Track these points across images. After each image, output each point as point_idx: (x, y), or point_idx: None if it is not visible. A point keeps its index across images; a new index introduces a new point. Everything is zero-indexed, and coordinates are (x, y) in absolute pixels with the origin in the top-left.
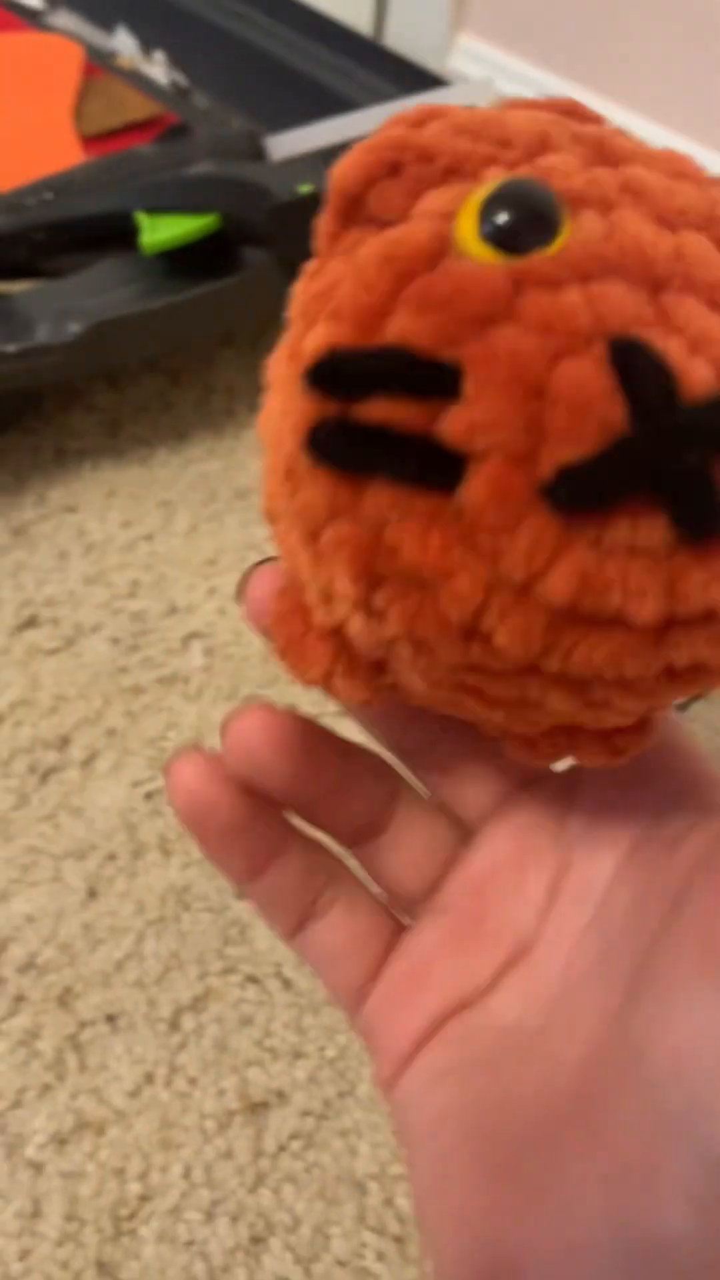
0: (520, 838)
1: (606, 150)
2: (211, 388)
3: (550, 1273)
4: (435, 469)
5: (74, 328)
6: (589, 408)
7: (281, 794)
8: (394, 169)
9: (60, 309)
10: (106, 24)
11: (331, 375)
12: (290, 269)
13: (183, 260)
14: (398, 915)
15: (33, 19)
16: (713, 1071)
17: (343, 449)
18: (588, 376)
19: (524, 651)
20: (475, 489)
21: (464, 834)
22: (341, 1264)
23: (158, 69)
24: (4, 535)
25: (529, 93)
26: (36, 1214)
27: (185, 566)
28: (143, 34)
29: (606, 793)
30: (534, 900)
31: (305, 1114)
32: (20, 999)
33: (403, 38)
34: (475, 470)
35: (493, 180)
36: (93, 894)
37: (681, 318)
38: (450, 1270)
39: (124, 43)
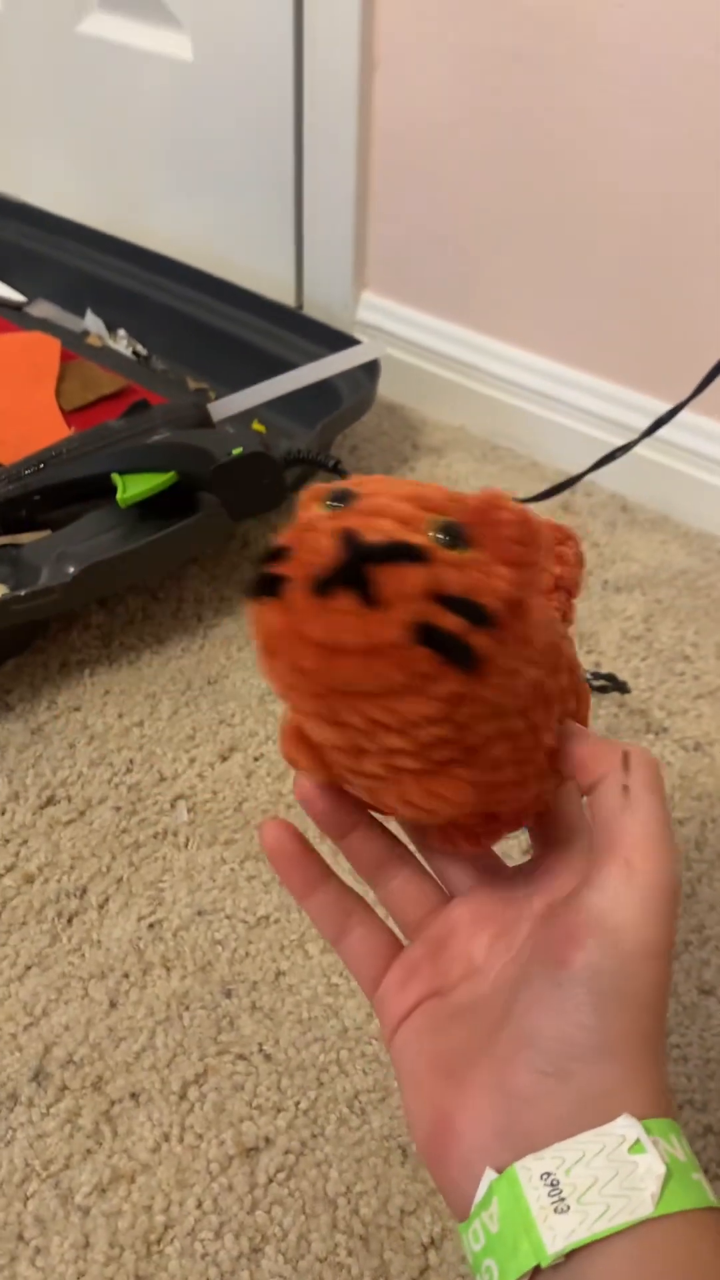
0: (478, 908)
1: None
2: (183, 599)
3: (469, 1119)
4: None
5: (70, 569)
6: (323, 553)
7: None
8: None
9: (59, 555)
10: (77, 309)
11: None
12: (231, 509)
13: (152, 508)
14: (400, 937)
15: (16, 311)
16: (540, 1025)
17: (253, 590)
18: (325, 543)
19: (310, 665)
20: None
21: (446, 895)
22: (321, 1260)
23: (121, 343)
24: (24, 734)
25: (420, 334)
26: (87, 1245)
27: (169, 744)
28: (107, 316)
29: (532, 878)
30: (481, 944)
31: (287, 1152)
32: (64, 1088)
33: (318, 296)
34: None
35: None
36: (113, 1004)
37: (378, 527)
38: (419, 1134)
39: (93, 323)
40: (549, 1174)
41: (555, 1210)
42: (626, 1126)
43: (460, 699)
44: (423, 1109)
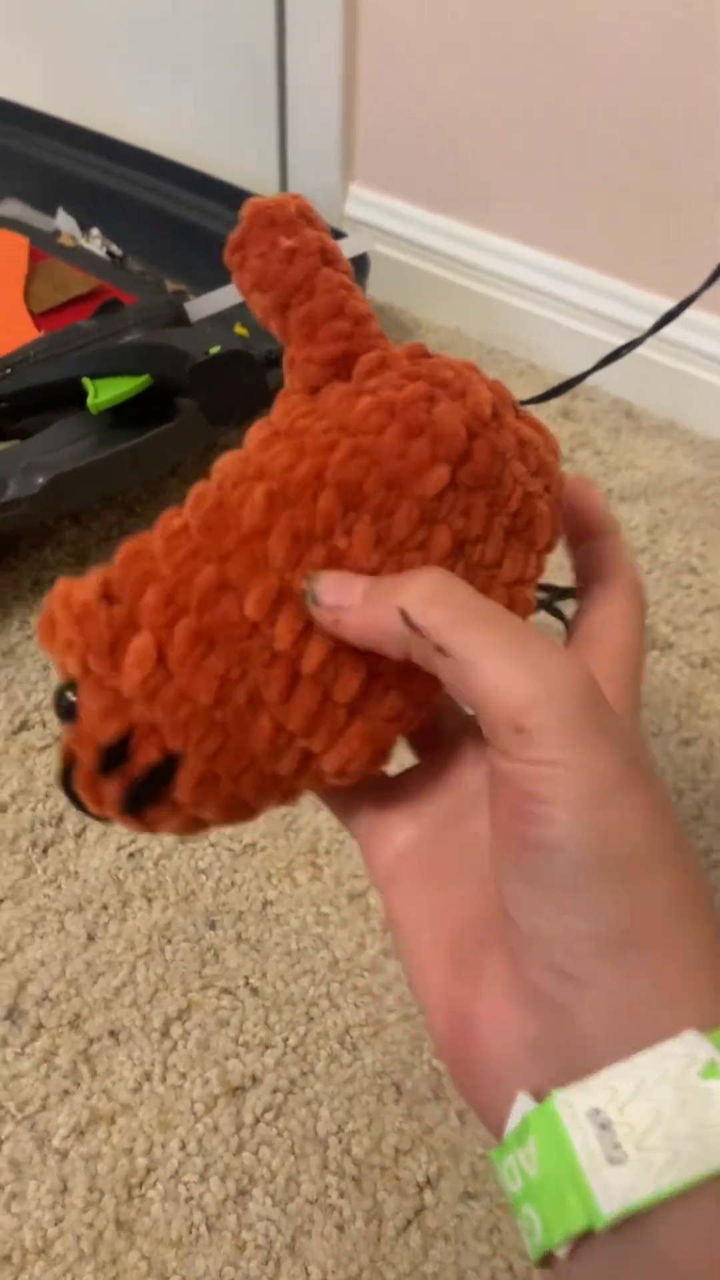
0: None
1: None
2: (161, 513)
3: (491, 1023)
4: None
5: (39, 480)
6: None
7: None
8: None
9: (26, 465)
10: (48, 208)
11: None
12: (210, 412)
13: (125, 414)
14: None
15: None
16: (535, 926)
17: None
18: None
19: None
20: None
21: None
22: (311, 1202)
23: (95, 243)
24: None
25: (411, 229)
26: (65, 1189)
27: None
28: (79, 214)
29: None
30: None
31: (275, 1091)
32: (39, 1026)
33: (303, 190)
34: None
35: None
36: (91, 938)
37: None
38: (436, 1034)
39: (65, 222)
40: (598, 1111)
41: (610, 1160)
42: (694, 1044)
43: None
44: (436, 1001)
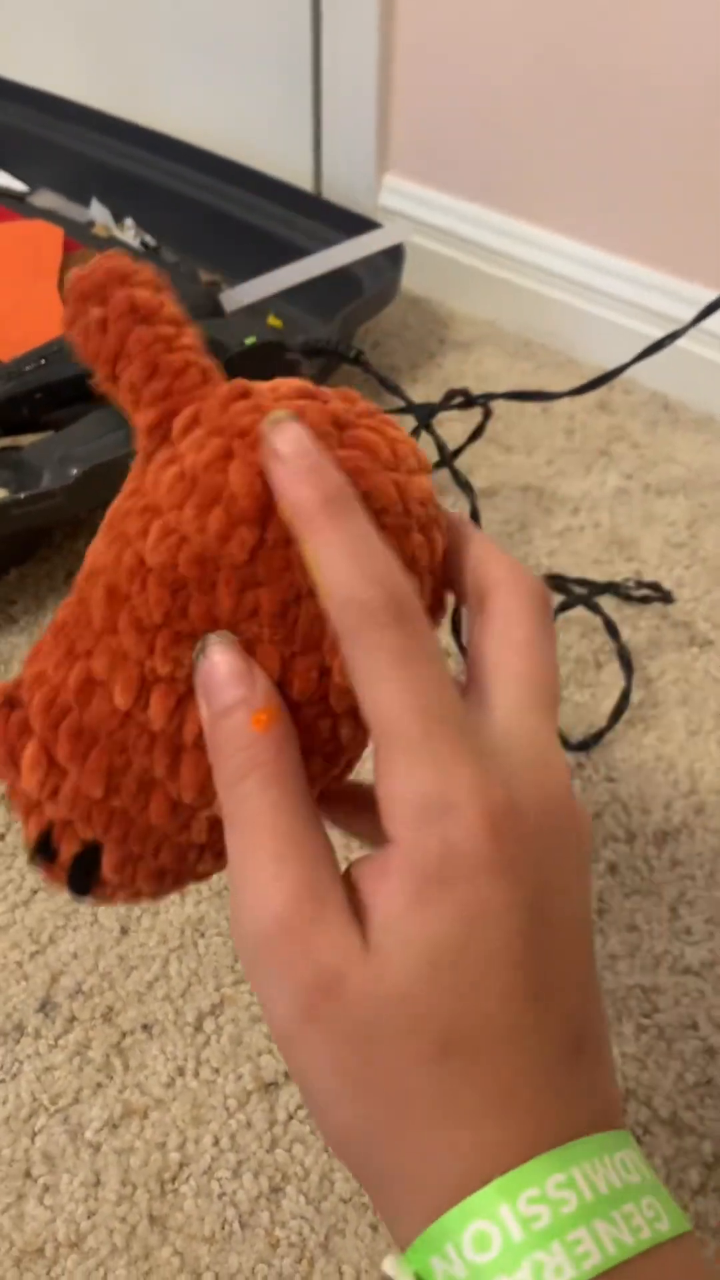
0: None
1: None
2: None
3: None
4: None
5: (74, 471)
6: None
7: None
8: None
9: (61, 456)
10: (82, 198)
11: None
12: None
13: None
14: None
15: (18, 201)
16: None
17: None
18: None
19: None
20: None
21: None
22: (345, 1201)
23: (129, 233)
24: (29, 648)
25: (448, 220)
26: (98, 1183)
27: None
28: (113, 205)
29: None
30: None
31: None
32: (72, 1019)
33: (338, 181)
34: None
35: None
36: (124, 931)
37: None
38: None
39: (98, 213)
40: None
41: None
42: (393, 1269)
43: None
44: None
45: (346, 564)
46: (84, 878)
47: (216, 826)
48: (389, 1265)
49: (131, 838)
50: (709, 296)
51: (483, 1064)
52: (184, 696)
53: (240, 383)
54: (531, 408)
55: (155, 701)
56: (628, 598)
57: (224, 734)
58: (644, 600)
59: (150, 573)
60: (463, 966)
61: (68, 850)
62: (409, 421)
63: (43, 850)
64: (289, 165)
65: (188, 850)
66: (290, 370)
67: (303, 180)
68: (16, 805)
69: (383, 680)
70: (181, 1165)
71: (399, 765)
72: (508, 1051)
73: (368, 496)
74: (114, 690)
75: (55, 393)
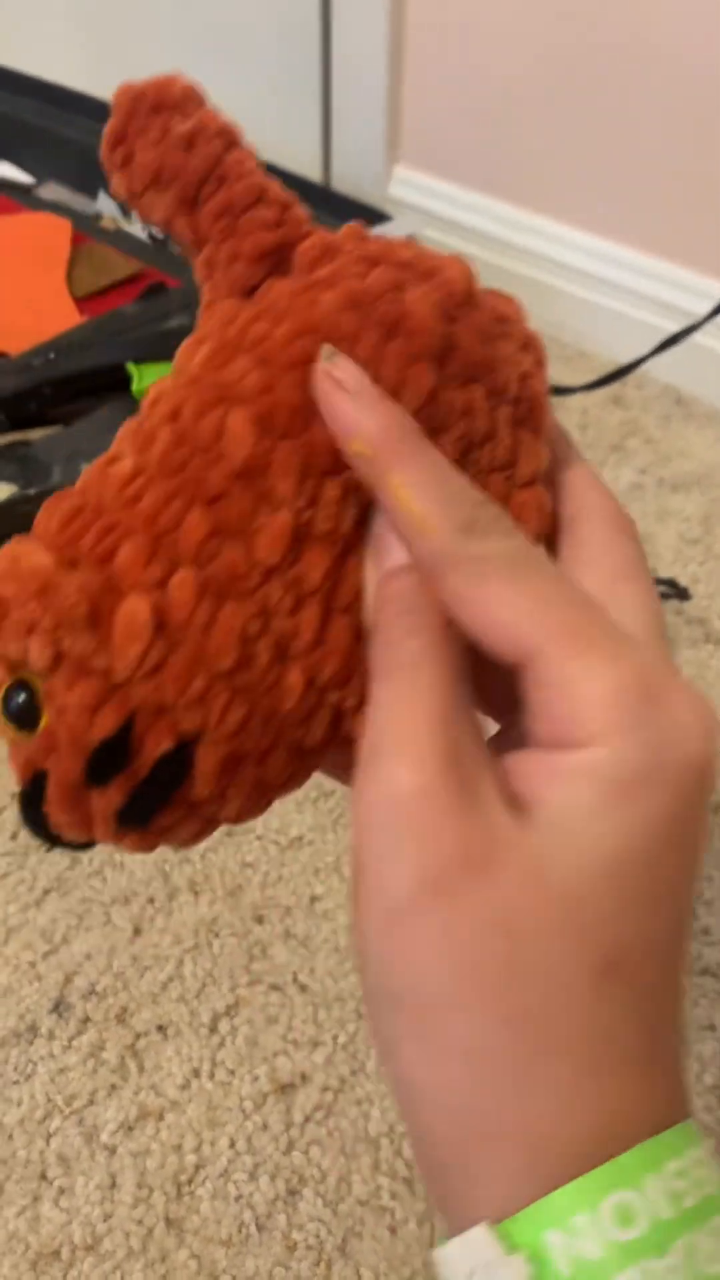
0: None
1: None
2: None
3: None
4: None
5: (83, 466)
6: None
7: None
8: None
9: (71, 452)
10: (89, 190)
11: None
12: None
13: None
14: None
15: (25, 194)
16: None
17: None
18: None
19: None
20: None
21: None
22: (362, 1203)
23: (136, 225)
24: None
25: (458, 212)
26: (114, 1185)
27: None
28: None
29: None
30: None
31: (325, 1089)
32: (86, 1020)
33: (347, 172)
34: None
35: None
36: (138, 931)
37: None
38: None
39: (105, 205)
40: None
41: None
42: (483, 1244)
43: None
44: None
45: (439, 492)
46: (161, 791)
47: (335, 726)
48: (457, 1247)
49: (249, 729)
50: None
51: (642, 998)
52: (343, 553)
53: (358, 224)
54: None
55: (310, 555)
56: None
57: (395, 592)
58: (662, 597)
59: (318, 410)
60: (648, 881)
61: (154, 749)
62: None
63: (104, 759)
64: (298, 156)
65: (295, 755)
66: None
67: (312, 172)
68: (78, 694)
69: (517, 594)
70: (198, 1168)
71: (574, 666)
72: (664, 989)
73: (494, 374)
74: (257, 541)
75: (64, 387)
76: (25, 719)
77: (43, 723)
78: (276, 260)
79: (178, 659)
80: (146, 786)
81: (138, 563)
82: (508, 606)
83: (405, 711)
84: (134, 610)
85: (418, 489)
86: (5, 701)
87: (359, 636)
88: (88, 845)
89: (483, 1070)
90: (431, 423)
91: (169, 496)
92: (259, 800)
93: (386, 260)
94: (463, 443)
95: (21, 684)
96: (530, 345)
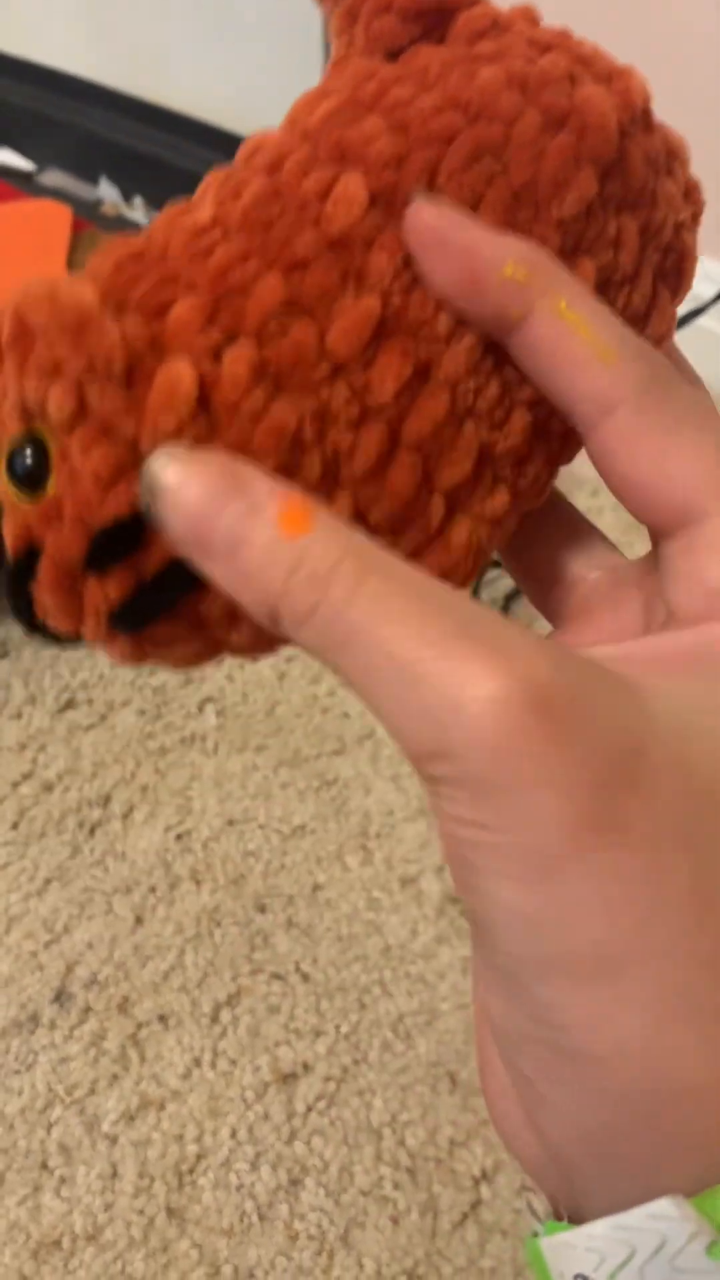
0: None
1: None
2: None
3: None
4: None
5: None
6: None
7: None
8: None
9: None
10: (90, 177)
11: None
12: None
13: None
14: None
15: (26, 181)
16: None
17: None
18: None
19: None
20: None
21: None
22: (364, 1194)
23: (138, 212)
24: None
25: None
26: (115, 1175)
27: None
28: (122, 183)
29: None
30: None
31: (327, 1079)
32: (87, 1009)
33: None
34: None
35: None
36: (139, 920)
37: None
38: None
39: (107, 191)
40: (583, 1278)
41: None
42: (673, 1215)
43: None
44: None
45: (612, 321)
46: (167, 593)
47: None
48: (602, 1227)
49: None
50: None
51: None
52: (425, 376)
53: (531, 6)
54: None
55: (385, 360)
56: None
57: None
58: None
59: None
60: None
61: (167, 545)
62: None
63: (110, 543)
64: None
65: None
66: None
67: None
68: (94, 458)
69: (701, 448)
70: (199, 1157)
71: None
72: None
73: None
74: (332, 326)
75: None
76: (29, 480)
77: (49, 489)
78: (433, 23)
79: (215, 446)
80: (154, 585)
81: (193, 323)
82: (690, 461)
83: (486, 618)
84: (178, 374)
85: (592, 315)
86: (11, 456)
87: (424, 482)
88: (71, 641)
89: (676, 1022)
90: (577, 242)
91: (244, 254)
92: (271, 636)
93: (561, 49)
94: (601, 275)
95: (33, 439)
96: (692, 194)
